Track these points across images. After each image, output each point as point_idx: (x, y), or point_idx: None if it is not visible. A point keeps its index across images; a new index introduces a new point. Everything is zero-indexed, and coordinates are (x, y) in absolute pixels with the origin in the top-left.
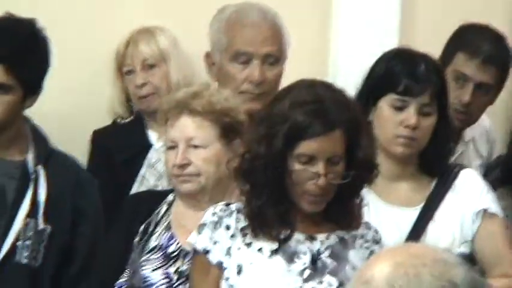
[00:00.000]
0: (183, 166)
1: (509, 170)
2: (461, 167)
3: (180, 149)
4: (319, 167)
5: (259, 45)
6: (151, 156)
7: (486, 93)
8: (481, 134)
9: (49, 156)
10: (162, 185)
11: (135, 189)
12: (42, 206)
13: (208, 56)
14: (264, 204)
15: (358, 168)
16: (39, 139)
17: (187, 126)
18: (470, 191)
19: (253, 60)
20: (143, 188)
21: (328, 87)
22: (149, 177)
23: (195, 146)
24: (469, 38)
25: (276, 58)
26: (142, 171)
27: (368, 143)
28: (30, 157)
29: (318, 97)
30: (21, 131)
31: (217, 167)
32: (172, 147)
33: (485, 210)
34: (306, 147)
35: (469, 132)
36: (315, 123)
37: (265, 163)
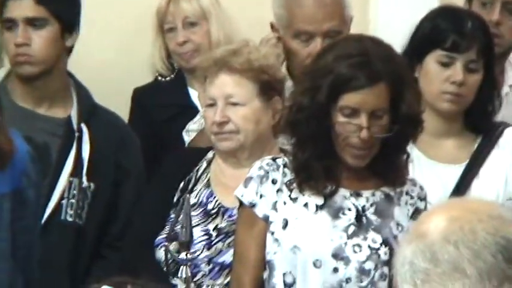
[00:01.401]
0: (222, 124)
1: None
2: (506, 125)
3: (219, 106)
4: (362, 120)
5: (319, 23)
6: (189, 126)
7: None
8: None
9: (93, 113)
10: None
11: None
12: (85, 164)
13: (273, 27)
14: (310, 158)
15: (402, 123)
16: (83, 95)
17: (226, 84)
18: None
19: (316, 38)
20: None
21: (375, 41)
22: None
23: (234, 104)
24: None
25: (337, 32)
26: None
27: (413, 98)
28: (74, 114)
29: (363, 50)
30: (64, 85)
31: (256, 125)
32: (211, 104)
33: None
34: (349, 99)
35: None
36: (359, 75)
37: (310, 115)
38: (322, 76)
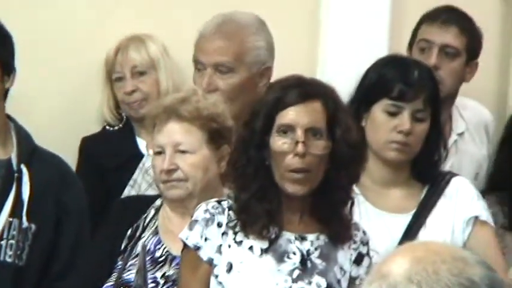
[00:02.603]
0: (170, 171)
1: (496, 178)
2: (453, 174)
3: (168, 154)
4: (298, 134)
5: (209, 55)
6: (146, 161)
7: (453, 58)
8: (478, 126)
9: (33, 154)
10: (155, 190)
11: (126, 192)
12: (25, 204)
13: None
14: (251, 198)
15: (340, 149)
16: (22, 137)
17: (175, 132)
18: (461, 198)
19: (207, 69)
20: (134, 192)
21: (314, 78)
22: (141, 182)
23: (183, 152)
24: (429, 12)
25: (228, 68)
26: (135, 175)
27: (352, 126)
28: (13, 156)
29: (298, 76)
30: (4, 127)
31: (204, 173)
32: (159, 152)
33: (476, 218)
34: (283, 117)
35: (461, 124)
36: (292, 92)
37: (249, 146)
38: (258, 106)
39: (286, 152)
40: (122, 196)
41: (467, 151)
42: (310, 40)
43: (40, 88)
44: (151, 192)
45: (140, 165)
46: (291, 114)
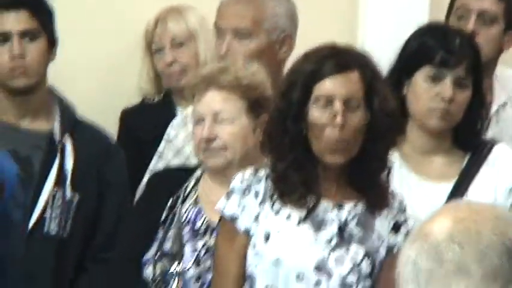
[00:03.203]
0: (209, 140)
1: None
2: (495, 142)
3: (207, 123)
4: (336, 106)
5: (227, 20)
6: (170, 131)
7: (491, 24)
8: None
9: (76, 125)
10: (180, 160)
11: (153, 163)
12: (69, 175)
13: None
14: (288, 168)
15: (378, 119)
16: (65, 108)
17: (214, 101)
18: (503, 167)
19: (226, 35)
20: (161, 163)
21: (348, 45)
22: (167, 152)
23: (222, 121)
24: None
25: (247, 33)
26: (161, 146)
27: (387, 94)
28: (56, 127)
29: (333, 45)
30: (47, 98)
31: (244, 142)
32: (199, 121)
33: None
34: (321, 88)
35: (503, 94)
36: (329, 63)
37: (286, 117)
38: (295, 75)
39: (324, 124)
40: (150, 167)
41: (510, 121)
42: (350, 10)
43: (79, 61)
44: (178, 161)
45: (165, 136)
46: (328, 86)
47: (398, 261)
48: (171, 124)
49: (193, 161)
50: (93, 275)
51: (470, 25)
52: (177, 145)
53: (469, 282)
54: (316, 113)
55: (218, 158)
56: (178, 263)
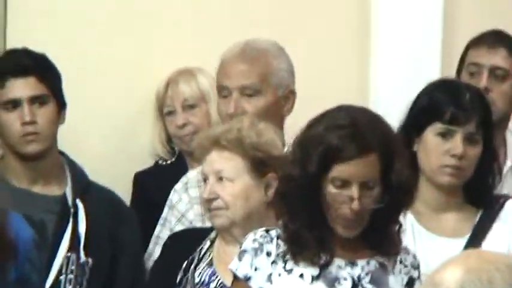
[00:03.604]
0: (210, 200)
1: None
2: (507, 197)
3: (210, 182)
4: (354, 191)
5: (234, 78)
6: (172, 196)
7: (503, 80)
8: None
9: (87, 189)
10: (184, 225)
11: (157, 230)
12: (82, 239)
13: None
14: (301, 228)
15: (393, 193)
16: (76, 172)
17: (216, 160)
18: None
19: (233, 94)
20: (166, 230)
21: (365, 112)
22: (170, 218)
23: (223, 180)
24: (475, 37)
25: (254, 90)
26: (164, 213)
27: (403, 167)
28: (68, 191)
29: (354, 121)
30: (58, 162)
31: (245, 201)
32: (204, 181)
33: None
34: (340, 170)
35: None
36: (350, 146)
37: (301, 185)
38: (313, 147)
39: (340, 202)
40: (155, 233)
41: None
42: (360, 65)
43: (92, 124)
44: (181, 227)
45: (168, 202)
46: (347, 170)
47: None
48: (173, 189)
49: (197, 226)
50: None
51: (483, 82)
52: (180, 210)
53: None
54: (332, 190)
55: (220, 218)
56: None
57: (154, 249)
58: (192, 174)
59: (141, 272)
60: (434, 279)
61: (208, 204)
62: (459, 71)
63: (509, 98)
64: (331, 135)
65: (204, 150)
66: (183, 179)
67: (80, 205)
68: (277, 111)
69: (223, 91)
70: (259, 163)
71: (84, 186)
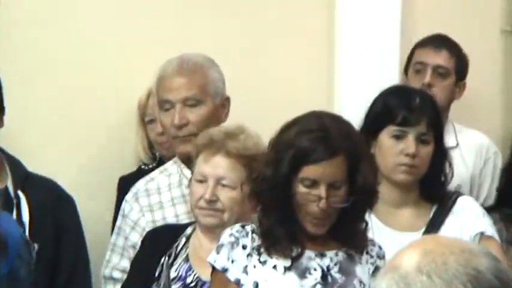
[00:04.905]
0: (211, 201)
1: (502, 196)
2: (459, 194)
3: (210, 185)
4: (321, 191)
5: (176, 92)
6: (124, 206)
7: (444, 78)
8: (471, 146)
9: (26, 179)
10: (137, 232)
11: (113, 239)
12: (27, 226)
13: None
14: (274, 224)
15: (359, 193)
16: (15, 165)
17: (220, 166)
18: (467, 216)
19: (176, 106)
20: (121, 238)
21: (334, 118)
22: (124, 227)
23: (224, 185)
24: (422, 39)
25: (196, 100)
26: (118, 222)
27: (369, 170)
28: (9, 183)
29: (323, 126)
30: None
31: (241, 206)
32: (201, 180)
33: (482, 233)
34: (309, 171)
35: (452, 139)
36: (319, 149)
37: (273, 186)
38: (284, 149)
39: (309, 201)
40: (111, 240)
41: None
42: (326, 73)
43: (81, 134)
44: (135, 234)
45: (120, 211)
46: (315, 171)
47: None
48: (124, 200)
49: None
50: None
51: (427, 78)
52: (132, 219)
53: None
54: (302, 190)
55: (215, 218)
56: None
57: (112, 256)
58: (141, 184)
59: (82, 252)
60: (394, 262)
61: (208, 204)
62: (406, 69)
63: (449, 93)
64: (302, 139)
65: (206, 150)
66: (133, 189)
67: (21, 195)
68: (216, 118)
69: (165, 105)
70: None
71: (24, 178)
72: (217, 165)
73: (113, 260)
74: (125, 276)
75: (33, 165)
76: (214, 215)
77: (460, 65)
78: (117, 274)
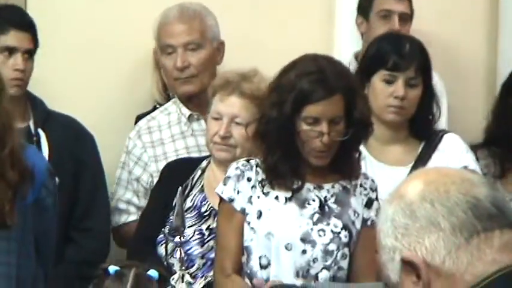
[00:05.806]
0: (225, 137)
1: (490, 134)
2: (445, 131)
3: (225, 122)
4: (323, 127)
5: (178, 37)
6: (128, 143)
7: (407, 22)
8: None
9: (47, 118)
10: (140, 166)
11: (118, 173)
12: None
13: (155, 52)
14: (278, 160)
15: (355, 126)
16: (37, 105)
17: (235, 105)
18: (452, 151)
19: (178, 50)
20: (125, 173)
21: (329, 59)
22: (128, 161)
23: (238, 123)
24: None
25: (197, 44)
26: (122, 157)
27: (363, 105)
28: (31, 122)
29: (320, 67)
30: (23, 100)
31: (251, 144)
32: (216, 118)
33: (465, 167)
34: (311, 110)
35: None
36: (318, 89)
37: (278, 125)
38: (286, 92)
39: (312, 137)
40: (116, 175)
41: None
42: (326, 21)
43: (102, 74)
44: (138, 168)
45: (124, 148)
46: (317, 109)
47: (378, 220)
48: (128, 137)
49: (151, 167)
50: (79, 246)
51: (396, 25)
52: (136, 155)
53: (439, 235)
54: (304, 127)
55: (228, 153)
56: (180, 236)
57: (117, 189)
58: (143, 123)
59: (101, 187)
60: (399, 191)
61: (222, 140)
62: (363, 10)
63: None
64: (302, 81)
65: (222, 91)
66: (136, 128)
67: (42, 133)
68: (213, 61)
69: (167, 49)
70: None
71: (45, 116)
72: (231, 105)
73: (118, 192)
74: (129, 207)
75: (55, 105)
76: (228, 149)
77: (412, 10)
78: (122, 205)
